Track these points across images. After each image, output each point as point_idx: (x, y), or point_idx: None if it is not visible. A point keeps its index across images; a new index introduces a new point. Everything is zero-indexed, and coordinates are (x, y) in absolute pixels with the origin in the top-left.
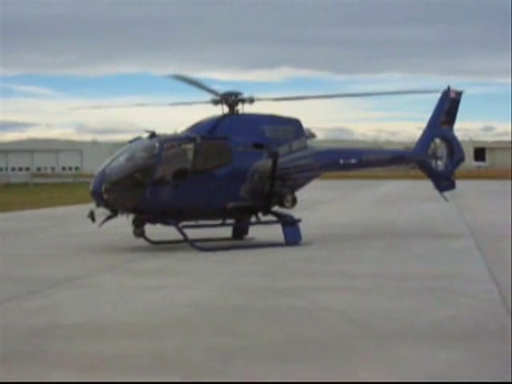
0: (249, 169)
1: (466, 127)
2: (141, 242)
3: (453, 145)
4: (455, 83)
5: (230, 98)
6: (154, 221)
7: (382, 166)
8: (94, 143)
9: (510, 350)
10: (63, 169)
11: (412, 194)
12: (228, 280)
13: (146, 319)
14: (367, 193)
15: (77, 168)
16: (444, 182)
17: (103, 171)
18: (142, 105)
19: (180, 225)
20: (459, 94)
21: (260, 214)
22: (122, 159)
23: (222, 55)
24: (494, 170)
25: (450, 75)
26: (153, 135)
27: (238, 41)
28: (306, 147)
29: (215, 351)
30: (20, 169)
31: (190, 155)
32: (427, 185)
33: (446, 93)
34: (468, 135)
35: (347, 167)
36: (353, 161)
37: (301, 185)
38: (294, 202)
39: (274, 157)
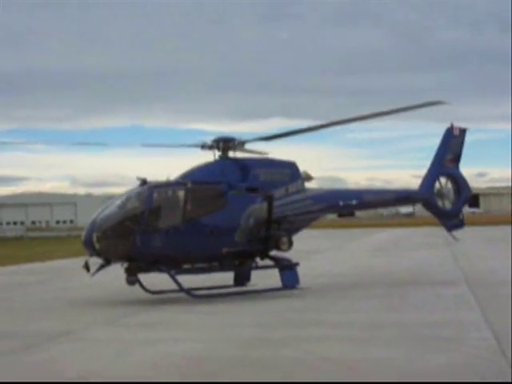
0: (243, 213)
1: None
2: (136, 295)
3: (459, 182)
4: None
5: (222, 143)
6: (146, 269)
7: (384, 207)
8: (88, 196)
9: None
10: (57, 222)
11: (406, 242)
12: (223, 331)
13: (142, 372)
14: (362, 242)
15: (71, 221)
16: (452, 220)
17: (94, 220)
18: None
19: (175, 272)
20: (463, 131)
21: (258, 259)
22: (112, 208)
23: (212, 106)
24: (488, 216)
25: (442, 122)
26: (144, 182)
27: (228, 91)
28: (303, 190)
29: None
30: (14, 223)
31: (182, 201)
32: (421, 232)
33: (449, 130)
34: None
35: (348, 208)
36: (353, 202)
37: (299, 228)
38: (290, 244)
39: (269, 200)
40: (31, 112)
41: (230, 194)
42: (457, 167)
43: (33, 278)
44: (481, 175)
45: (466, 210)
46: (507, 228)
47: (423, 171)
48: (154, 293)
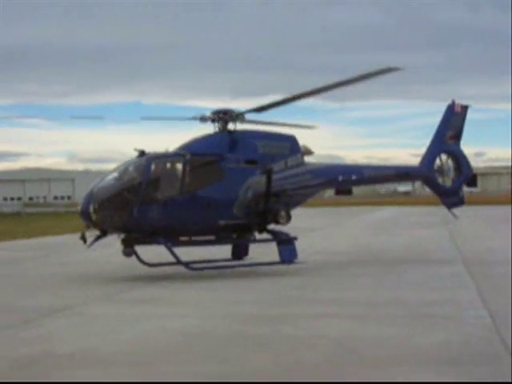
0: (241, 185)
1: None
2: (134, 271)
3: (460, 160)
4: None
5: (223, 116)
6: (143, 240)
7: (384, 182)
8: (87, 172)
9: (503, 374)
10: (55, 198)
11: (403, 221)
12: (221, 308)
13: (139, 348)
14: (359, 220)
15: (69, 197)
16: (452, 198)
17: (91, 191)
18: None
19: (172, 244)
20: (465, 108)
21: (256, 233)
22: (110, 179)
23: (211, 83)
24: (486, 195)
25: (442, 101)
26: (142, 154)
27: (227, 68)
28: (302, 164)
29: (207, 378)
30: (12, 198)
31: (180, 172)
32: (418, 210)
33: (451, 107)
34: None
35: (347, 183)
36: (353, 177)
37: (298, 202)
38: (288, 218)
39: (268, 173)
40: (29, 87)
41: (228, 166)
42: (458, 144)
43: (30, 254)
44: (479, 155)
45: (464, 189)
46: (505, 208)
47: (422, 150)
48: (150, 265)
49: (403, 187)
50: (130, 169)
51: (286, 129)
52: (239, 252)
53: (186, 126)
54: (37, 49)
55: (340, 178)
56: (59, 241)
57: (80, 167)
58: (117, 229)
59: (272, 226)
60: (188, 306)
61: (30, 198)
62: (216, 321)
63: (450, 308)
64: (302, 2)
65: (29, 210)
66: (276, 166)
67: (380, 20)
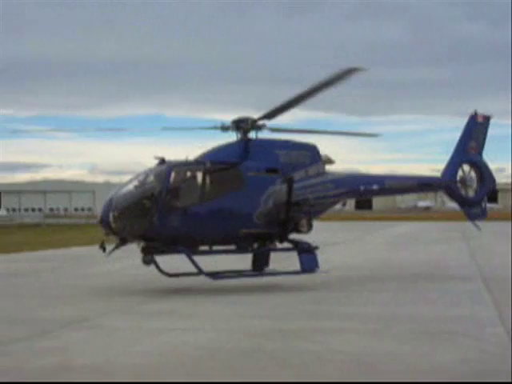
0: (262, 194)
1: None
2: (152, 283)
3: (482, 170)
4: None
5: (243, 124)
6: (163, 249)
7: (406, 193)
8: (107, 184)
9: None
10: (76, 210)
11: (422, 236)
12: (237, 322)
13: (155, 361)
14: (378, 234)
15: (89, 209)
16: (475, 209)
17: (111, 199)
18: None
19: (192, 253)
20: (487, 118)
21: (278, 243)
22: (130, 187)
23: (234, 96)
24: (507, 211)
25: (463, 116)
26: (162, 161)
27: (249, 82)
28: (323, 173)
29: None
30: (33, 209)
31: (200, 180)
32: (438, 226)
33: (473, 117)
34: None
35: (369, 193)
36: (375, 187)
37: (319, 211)
38: (310, 226)
39: (289, 182)
40: (51, 99)
41: (249, 175)
42: (480, 155)
43: (49, 265)
44: (500, 170)
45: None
46: None
47: (443, 165)
48: (170, 275)
49: (424, 202)
50: (150, 176)
51: (339, 138)
52: (260, 262)
53: (208, 137)
54: (60, 60)
55: (362, 187)
56: (79, 252)
57: (101, 179)
58: (136, 237)
59: (293, 236)
60: (204, 320)
61: (51, 209)
62: (231, 335)
63: (468, 325)
64: (325, 16)
65: (49, 221)
66: (297, 175)
67: (402, 35)
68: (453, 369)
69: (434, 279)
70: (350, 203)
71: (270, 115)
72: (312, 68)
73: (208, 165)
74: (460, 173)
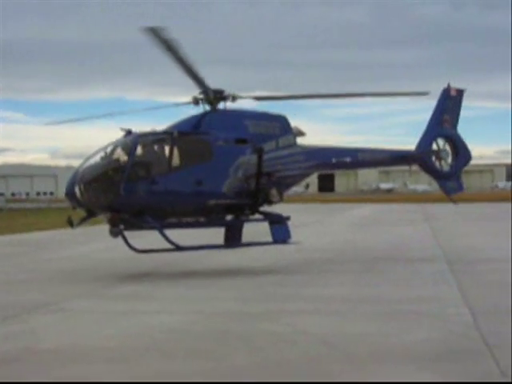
0: (231, 165)
1: None
2: (118, 267)
3: (457, 144)
4: (430, 106)
5: (212, 96)
6: (130, 220)
7: (379, 166)
8: (69, 168)
9: (482, 370)
10: (38, 194)
11: (385, 218)
12: (203, 305)
13: (121, 344)
14: (341, 217)
15: (51, 193)
16: (451, 183)
17: (77, 171)
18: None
19: (160, 225)
20: (460, 91)
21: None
22: (96, 158)
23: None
24: (469, 193)
25: (425, 99)
26: (129, 133)
27: (211, 65)
28: (294, 145)
29: (190, 375)
30: None
31: (167, 150)
32: (400, 208)
33: (446, 91)
34: None
35: (341, 166)
36: (347, 159)
37: (290, 183)
38: (280, 196)
39: (259, 152)
40: (12, 82)
41: (218, 145)
42: (454, 129)
43: (13, 250)
44: None
45: None
46: (487, 205)
47: (409, 147)
48: (139, 251)
49: (386, 184)
50: (116, 148)
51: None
52: (232, 236)
53: (174, 118)
54: (21, 43)
55: (334, 160)
56: (42, 237)
57: (63, 163)
58: (103, 208)
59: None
60: (170, 303)
61: (13, 194)
62: (198, 317)
63: (432, 305)
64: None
65: (11, 205)
66: (267, 146)
67: (363, 17)
68: (418, 348)
69: (397, 261)
70: (313, 186)
71: (262, 98)
72: (273, 50)
73: (175, 135)
74: (434, 146)
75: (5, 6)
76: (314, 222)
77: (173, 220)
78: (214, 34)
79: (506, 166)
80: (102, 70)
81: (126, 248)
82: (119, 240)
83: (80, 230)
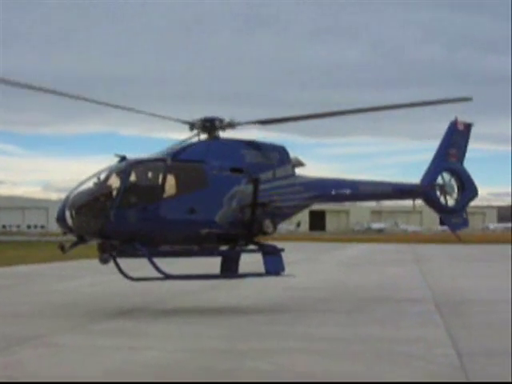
0: (225, 194)
1: None
2: (104, 302)
3: (463, 179)
4: (423, 147)
5: (208, 124)
6: (121, 247)
7: (380, 199)
8: (60, 201)
9: None
10: (29, 227)
11: (375, 258)
12: (191, 342)
13: (106, 380)
14: (331, 256)
15: (42, 226)
16: (455, 218)
17: (68, 196)
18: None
19: (151, 253)
20: (468, 126)
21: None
22: (87, 184)
23: (189, 115)
24: (459, 234)
25: (419, 140)
26: (123, 159)
27: (204, 100)
28: (292, 175)
29: None
30: None
31: (160, 177)
32: (391, 248)
33: (454, 124)
34: None
35: (341, 198)
36: (347, 191)
37: (287, 215)
38: (274, 227)
39: (255, 182)
40: (7, 115)
41: (212, 174)
42: (461, 163)
43: (2, 283)
44: None
45: (438, 228)
46: (476, 247)
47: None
48: (133, 279)
49: (377, 224)
50: (109, 174)
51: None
52: (228, 267)
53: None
54: (13, 76)
55: (333, 191)
56: (32, 270)
57: (54, 196)
58: (93, 234)
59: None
60: (157, 339)
61: (3, 226)
62: (184, 355)
63: (419, 346)
64: (280, 35)
65: (1, 238)
66: (263, 176)
67: (357, 57)
68: None
69: (386, 301)
70: (305, 224)
71: (235, 124)
72: (267, 87)
73: (169, 162)
74: (440, 180)
75: (3, 38)
76: (303, 261)
77: (165, 248)
78: (207, 69)
79: (498, 207)
80: (95, 104)
81: (115, 283)
82: (108, 275)
83: (70, 264)
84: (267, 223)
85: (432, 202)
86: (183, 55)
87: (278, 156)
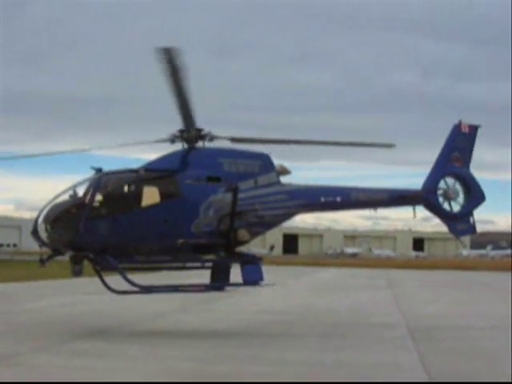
0: (200, 203)
1: (404, 217)
2: (76, 322)
3: (469, 183)
4: (398, 173)
5: (188, 134)
6: (94, 259)
7: (375, 207)
8: (33, 220)
9: None
10: (1, 245)
11: (348, 282)
12: (161, 364)
13: None
14: (304, 280)
15: (15, 245)
16: (461, 225)
17: (41, 210)
18: None
19: (126, 266)
20: (474, 128)
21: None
22: (61, 197)
23: (163, 136)
24: (432, 260)
25: (393, 164)
26: (99, 171)
27: (178, 123)
28: (277, 183)
29: None
30: None
31: (132, 188)
32: (364, 273)
33: (457, 127)
34: (407, 225)
35: (331, 207)
36: (338, 199)
37: (271, 224)
38: (250, 235)
39: (234, 191)
40: None
41: (186, 183)
42: (466, 167)
43: None
44: (426, 219)
45: (410, 253)
46: (450, 273)
47: (371, 213)
48: (118, 293)
49: (351, 249)
50: (81, 186)
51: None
52: (218, 277)
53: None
54: None
55: (322, 199)
56: (4, 289)
57: (27, 215)
58: (65, 246)
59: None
60: (128, 361)
61: None
62: (158, 376)
63: (391, 371)
64: (256, 60)
65: None
66: (243, 184)
67: (332, 82)
68: None
69: (357, 326)
70: (278, 249)
71: (238, 140)
72: (240, 112)
73: (142, 173)
74: (443, 185)
75: None
76: (276, 285)
77: (142, 260)
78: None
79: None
80: (68, 123)
81: (87, 303)
82: (80, 295)
83: (43, 283)
84: (242, 232)
85: (434, 208)
86: (156, 78)
87: (261, 164)
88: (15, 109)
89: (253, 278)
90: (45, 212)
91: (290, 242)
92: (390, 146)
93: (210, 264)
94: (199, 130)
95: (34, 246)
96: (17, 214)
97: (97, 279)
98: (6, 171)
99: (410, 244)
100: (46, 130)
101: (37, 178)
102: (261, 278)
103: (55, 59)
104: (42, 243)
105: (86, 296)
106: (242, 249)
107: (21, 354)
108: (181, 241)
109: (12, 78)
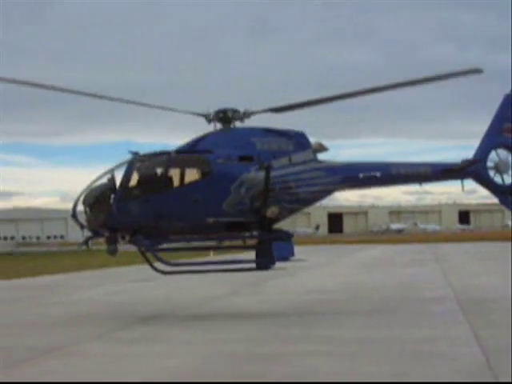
0: (232, 182)
1: (449, 190)
2: (125, 310)
3: None
4: (439, 147)
5: (222, 115)
6: (128, 239)
7: (418, 182)
8: (79, 211)
9: None
10: (48, 237)
11: (395, 259)
12: (212, 347)
13: None
14: (351, 258)
15: (62, 236)
16: None
17: (80, 194)
18: None
19: (159, 244)
20: None
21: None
22: (98, 180)
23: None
24: (479, 232)
25: (435, 140)
26: (135, 155)
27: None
28: (313, 160)
29: None
30: (5, 238)
31: (164, 169)
32: (411, 248)
33: (509, 96)
34: (452, 198)
35: (370, 182)
36: (377, 174)
37: (308, 200)
38: (278, 211)
39: (266, 170)
40: (23, 127)
41: (218, 163)
42: None
43: (23, 294)
44: (471, 192)
45: (456, 226)
46: (497, 245)
47: (415, 188)
48: (165, 273)
49: (396, 225)
50: (116, 169)
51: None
52: (262, 253)
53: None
54: (26, 88)
55: (360, 175)
56: (53, 280)
57: None
58: (101, 227)
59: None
60: (180, 346)
61: (23, 238)
62: (208, 360)
63: (443, 345)
64: (293, 39)
65: (22, 249)
66: (277, 163)
67: (369, 58)
68: None
69: (407, 301)
70: (324, 227)
71: (281, 109)
72: (281, 93)
73: (173, 155)
74: (494, 157)
75: (13, 48)
76: (323, 264)
77: (177, 239)
78: (217, 76)
79: None
80: (108, 112)
81: (135, 291)
82: (128, 283)
83: (90, 274)
84: (275, 209)
85: (484, 181)
86: (192, 63)
87: (295, 142)
88: (51, 100)
89: (284, 254)
90: (82, 195)
91: (335, 221)
92: (476, 71)
93: (240, 242)
94: (235, 111)
95: (79, 237)
96: (62, 206)
97: (143, 267)
98: (46, 163)
99: (456, 217)
100: (82, 121)
101: (78, 169)
102: (292, 254)
103: (86, 50)
104: (81, 225)
105: (135, 283)
106: (284, 226)
107: (74, 344)
108: (212, 219)
109: (48, 71)
